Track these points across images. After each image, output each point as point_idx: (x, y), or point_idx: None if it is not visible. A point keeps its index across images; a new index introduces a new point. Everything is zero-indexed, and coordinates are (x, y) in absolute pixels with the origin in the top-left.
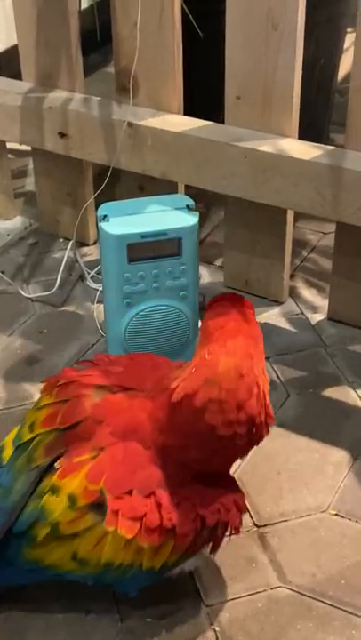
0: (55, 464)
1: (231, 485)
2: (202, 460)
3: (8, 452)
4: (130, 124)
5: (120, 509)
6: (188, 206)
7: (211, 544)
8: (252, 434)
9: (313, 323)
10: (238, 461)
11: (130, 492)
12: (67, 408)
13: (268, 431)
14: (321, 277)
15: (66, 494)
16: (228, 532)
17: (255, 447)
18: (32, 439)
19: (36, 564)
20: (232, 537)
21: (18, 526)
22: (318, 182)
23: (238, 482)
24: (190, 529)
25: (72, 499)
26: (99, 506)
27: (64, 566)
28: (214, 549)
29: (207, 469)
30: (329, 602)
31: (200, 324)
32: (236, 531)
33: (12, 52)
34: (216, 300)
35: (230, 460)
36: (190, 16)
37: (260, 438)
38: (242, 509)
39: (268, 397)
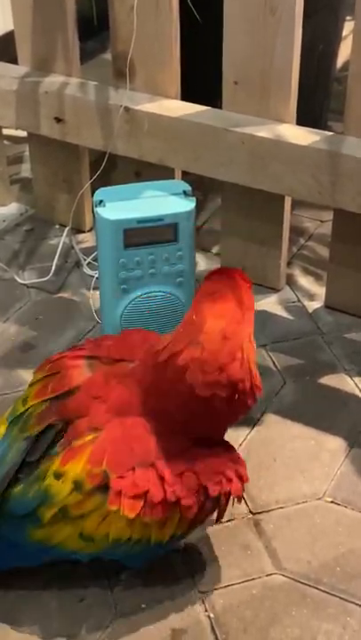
0: (57, 448)
1: (231, 455)
2: (186, 424)
3: (2, 428)
4: (126, 109)
5: (122, 489)
6: (184, 192)
7: (216, 513)
8: (235, 400)
9: (310, 310)
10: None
11: (132, 469)
12: (57, 378)
13: (254, 400)
14: (318, 265)
15: (71, 480)
16: (231, 501)
17: (252, 434)
18: (25, 411)
19: (43, 543)
20: (228, 523)
21: (22, 508)
22: (316, 168)
23: None
24: (194, 501)
25: (77, 484)
26: (104, 487)
27: (71, 545)
28: (219, 517)
29: (196, 434)
30: (324, 589)
31: None
32: (239, 500)
33: (9, 37)
34: (214, 272)
35: (215, 425)
36: (188, 0)
37: (245, 406)
38: (244, 479)
39: (254, 365)
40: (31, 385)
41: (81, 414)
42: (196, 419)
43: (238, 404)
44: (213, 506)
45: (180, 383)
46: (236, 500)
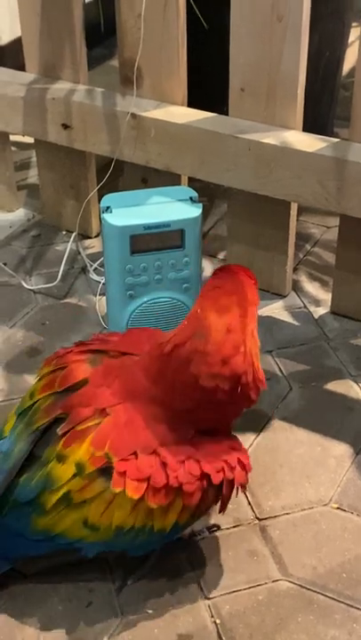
0: (57, 430)
1: (233, 443)
2: (189, 413)
3: (10, 423)
4: (133, 116)
5: (126, 471)
6: (191, 198)
7: (219, 503)
8: (238, 393)
9: (316, 316)
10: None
11: (135, 454)
12: (64, 372)
13: (257, 393)
14: (324, 271)
15: (73, 462)
16: (234, 491)
17: (258, 440)
18: (32, 405)
19: (46, 532)
20: (234, 529)
21: (25, 495)
22: (322, 175)
23: None
24: (197, 487)
25: (80, 466)
26: (106, 471)
27: (75, 533)
28: (223, 508)
29: (200, 425)
30: (330, 595)
31: None
32: (243, 488)
33: (17, 44)
34: (220, 268)
35: (219, 417)
36: (195, 7)
37: (249, 400)
38: (246, 467)
39: (257, 359)
40: (39, 379)
41: (88, 404)
42: (199, 409)
43: (241, 397)
44: (217, 494)
45: (184, 373)
46: (240, 488)
